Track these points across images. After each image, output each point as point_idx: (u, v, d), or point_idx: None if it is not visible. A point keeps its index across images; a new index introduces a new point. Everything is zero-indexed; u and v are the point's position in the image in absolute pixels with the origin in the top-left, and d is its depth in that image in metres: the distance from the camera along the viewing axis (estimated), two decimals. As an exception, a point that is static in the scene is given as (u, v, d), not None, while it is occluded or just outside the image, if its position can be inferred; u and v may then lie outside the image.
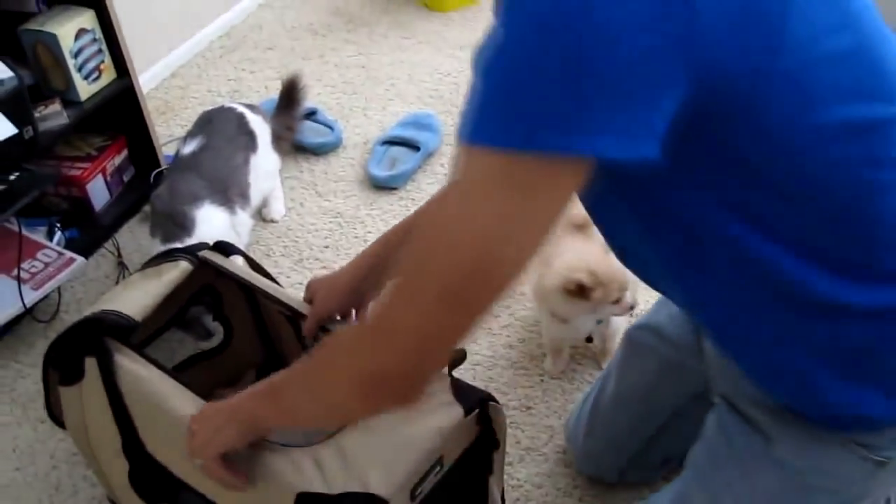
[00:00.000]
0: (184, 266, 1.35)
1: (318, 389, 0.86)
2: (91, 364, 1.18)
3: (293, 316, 1.31)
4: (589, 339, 1.73)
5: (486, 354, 1.82)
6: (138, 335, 1.29)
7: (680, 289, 0.94)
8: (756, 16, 0.66)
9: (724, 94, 0.67)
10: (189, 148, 1.94)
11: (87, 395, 1.20)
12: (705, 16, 0.63)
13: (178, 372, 1.50)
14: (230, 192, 1.91)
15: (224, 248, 1.42)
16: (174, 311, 1.44)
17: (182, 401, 1.10)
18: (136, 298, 1.27)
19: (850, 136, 0.74)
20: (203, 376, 1.53)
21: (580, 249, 1.54)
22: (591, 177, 0.68)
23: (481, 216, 0.68)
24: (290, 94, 2.24)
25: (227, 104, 2.10)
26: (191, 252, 1.38)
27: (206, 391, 1.12)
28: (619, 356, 1.41)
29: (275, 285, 1.36)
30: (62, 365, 1.22)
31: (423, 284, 0.72)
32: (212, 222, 1.82)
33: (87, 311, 1.25)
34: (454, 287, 0.70)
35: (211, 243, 1.44)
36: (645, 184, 0.78)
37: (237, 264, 1.39)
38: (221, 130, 1.99)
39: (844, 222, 0.78)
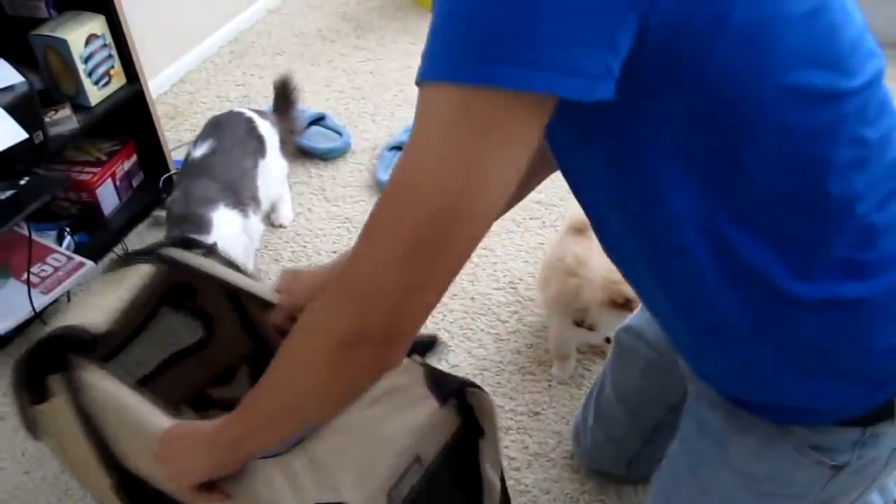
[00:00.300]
0: (147, 267, 1.29)
1: (292, 374, 0.80)
2: (57, 382, 1.13)
3: (269, 305, 1.26)
4: (608, 340, 1.75)
5: (494, 360, 1.82)
6: (111, 342, 1.24)
7: (649, 276, 0.92)
8: None
9: (679, 41, 0.66)
10: (200, 151, 1.95)
11: (58, 413, 1.16)
12: None
13: (163, 371, 1.45)
14: (242, 195, 1.92)
15: (187, 243, 1.37)
16: (147, 312, 1.39)
17: (151, 413, 1.06)
18: (99, 307, 1.21)
19: (803, 103, 0.73)
20: (191, 374, 1.48)
21: (606, 262, 1.55)
22: (557, 126, 0.67)
23: (441, 155, 0.65)
24: (284, 94, 2.24)
25: (236, 109, 2.11)
26: (152, 252, 1.33)
27: (196, 389, 1.07)
28: (610, 356, 1.42)
29: (243, 276, 1.31)
30: (27, 386, 1.17)
31: (390, 232, 0.68)
32: (226, 225, 1.83)
33: (50, 328, 1.19)
34: (422, 233, 0.66)
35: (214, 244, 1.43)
36: (618, 150, 0.77)
37: (203, 259, 1.34)
38: (231, 134, 2.00)
39: (798, 199, 0.77)
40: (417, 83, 0.66)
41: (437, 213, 0.66)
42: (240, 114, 2.08)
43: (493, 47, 0.61)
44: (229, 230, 1.82)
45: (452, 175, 0.65)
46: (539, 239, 2.13)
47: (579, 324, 1.62)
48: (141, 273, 1.28)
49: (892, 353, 0.85)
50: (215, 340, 1.52)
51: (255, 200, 1.97)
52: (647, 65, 0.66)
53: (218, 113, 2.11)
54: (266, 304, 1.22)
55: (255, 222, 1.96)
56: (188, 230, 1.78)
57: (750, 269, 0.80)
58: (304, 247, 2.16)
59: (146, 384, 1.27)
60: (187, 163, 1.97)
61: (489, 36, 0.61)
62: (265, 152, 2.05)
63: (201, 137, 2.00)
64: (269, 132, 2.09)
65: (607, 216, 0.91)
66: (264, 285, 1.25)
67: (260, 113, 2.13)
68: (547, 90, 0.62)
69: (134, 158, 2.28)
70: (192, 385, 1.17)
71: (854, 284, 0.81)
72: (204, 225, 1.80)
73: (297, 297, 1.19)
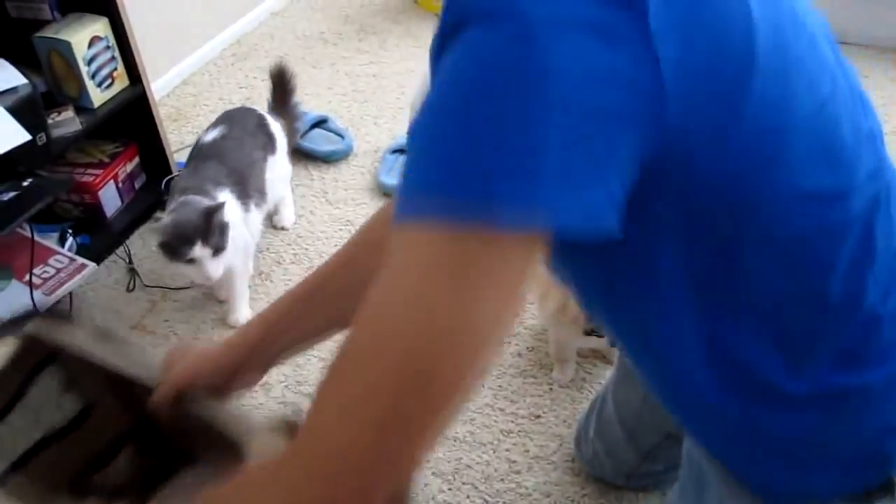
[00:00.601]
0: (11, 343, 1.16)
1: None
2: None
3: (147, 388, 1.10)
4: (612, 344, 1.75)
5: (495, 363, 1.82)
6: None
7: (634, 352, 0.88)
8: (720, 71, 0.60)
9: (686, 162, 0.62)
10: (210, 136, 1.97)
11: None
12: (668, 69, 0.57)
13: (37, 453, 1.25)
14: (248, 186, 1.93)
15: (60, 315, 1.26)
16: (13, 391, 1.24)
17: None
18: None
19: (810, 207, 0.69)
20: (67, 455, 1.25)
21: None
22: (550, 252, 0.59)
23: (421, 307, 0.56)
24: (281, 83, 2.25)
25: (248, 106, 2.14)
26: (13, 326, 1.21)
27: (74, 473, 0.95)
28: (615, 373, 1.41)
29: (119, 350, 1.15)
30: None
31: (363, 393, 0.57)
32: (229, 211, 1.83)
33: None
34: (402, 394, 0.56)
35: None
36: (612, 261, 0.72)
37: (75, 333, 1.20)
38: (243, 125, 2.02)
39: (802, 301, 0.74)
40: (394, 224, 0.57)
41: (420, 372, 0.57)
42: (252, 109, 2.11)
43: (484, 181, 0.54)
44: (231, 218, 1.83)
45: (436, 327, 0.56)
46: (541, 242, 2.13)
47: (589, 333, 1.62)
48: (6, 348, 1.15)
49: (889, 432, 0.81)
50: (93, 417, 1.29)
51: (261, 193, 1.98)
52: (650, 186, 0.62)
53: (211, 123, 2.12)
54: (145, 389, 1.05)
55: (256, 219, 1.97)
56: (193, 197, 1.79)
57: (743, 366, 0.77)
58: (306, 249, 2.16)
59: (17, 469, 1.14)
60: (197, 147, 1.99)
61: (480, 168, 0.54)
62: (275, 149, 2.07)
63: (212, 126, 2.02)
64: (279, 132, 2.11)
65: (596, 307, 0.87)
66: (143, 360, 1.11)
67: (270, 114, 2.16)
68: (547, 227, 0.55)
69: (136, 160, 2.28)
70: (69, 468, 1.00)
71: (854, 375, 0.77)
72: (209, 194, 1.81)
73: (184, 371, 1.01)
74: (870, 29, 2.59)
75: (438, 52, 0.60)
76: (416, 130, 0.58)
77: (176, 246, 1.71)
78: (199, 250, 1.71)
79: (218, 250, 1.74)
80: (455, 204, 0.54)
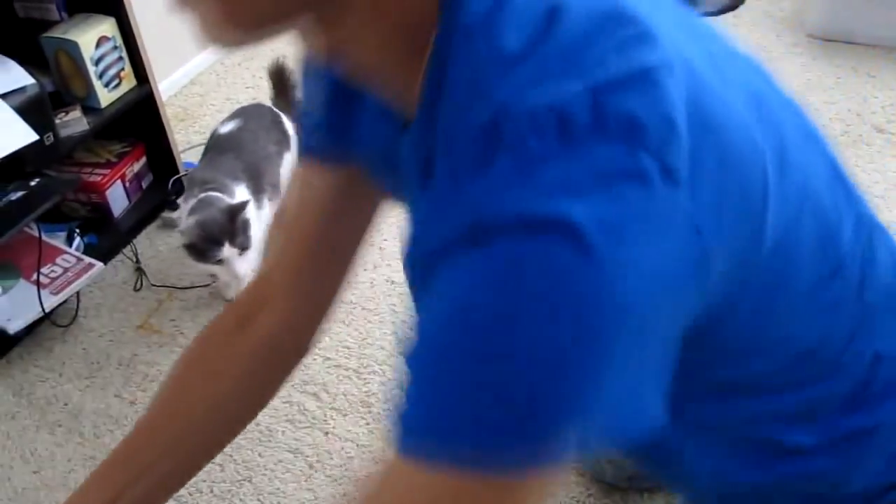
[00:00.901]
0: None
1: None
2: None
3: None
4: None
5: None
6: None
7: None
8: (746, 217, 0.56)
9: (711, 308, 0.58)
10: (226, 128, 1.98)
11: None
12: (710, 237, 0.51)
13: None
14: (262, 180, 1.93)
15: None
16: None
17: None
18: None
19: (817, 294, 0.67)
20: None
21: None
22: None
23: None
24: (281, 79, 2.26)
25: (263, 103, 2.15)
26: None
27: None
28: None
29: None
30: None
31: None
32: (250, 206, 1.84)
33: None
34: None
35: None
36: None
37: None
38: (259, 118, 2.04)
39: (807, 378, 0.72)
40: (398, 452, 0.50)
41: None
42: (267, 106, 2.12)
43: (529, 427, 0.47)
44: (250, 214, 1.83)
45: None
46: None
47: None
48: None
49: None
50: None
51: (275, 188, 1.98)
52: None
53: (227, 116, 2.12)
54: None
55: (268, 215, 1.97)
56: (213, 195, 1.79)
57: (747, 436, 0.76)
58: (312, 249, 2.16)
59: None
60: (213, 138, 2.00)
61: (524, 412, 0.46)
62: (290, 146, 2.08)
63: (228, 119, 2.03)
64: (293, 131, 2.12)
65: None
66: None
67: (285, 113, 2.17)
68: (599, 444, 0.50)
69: (143, 160, 2.29)
70: None
71: (862, 415, 0.75)
72: (227, 190, 1.82)
73: None
74: (876, 29, 2.58)
75: (436, 255, 0.51)
76: (427, 352, 0.50)
77: (204, 249, 1.72)
78: (228, 251, 1.72)
79: (244, 248, 1.76)
80: (491, 455, 0.47)
